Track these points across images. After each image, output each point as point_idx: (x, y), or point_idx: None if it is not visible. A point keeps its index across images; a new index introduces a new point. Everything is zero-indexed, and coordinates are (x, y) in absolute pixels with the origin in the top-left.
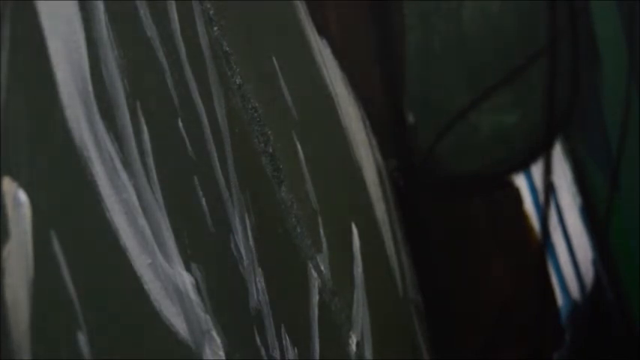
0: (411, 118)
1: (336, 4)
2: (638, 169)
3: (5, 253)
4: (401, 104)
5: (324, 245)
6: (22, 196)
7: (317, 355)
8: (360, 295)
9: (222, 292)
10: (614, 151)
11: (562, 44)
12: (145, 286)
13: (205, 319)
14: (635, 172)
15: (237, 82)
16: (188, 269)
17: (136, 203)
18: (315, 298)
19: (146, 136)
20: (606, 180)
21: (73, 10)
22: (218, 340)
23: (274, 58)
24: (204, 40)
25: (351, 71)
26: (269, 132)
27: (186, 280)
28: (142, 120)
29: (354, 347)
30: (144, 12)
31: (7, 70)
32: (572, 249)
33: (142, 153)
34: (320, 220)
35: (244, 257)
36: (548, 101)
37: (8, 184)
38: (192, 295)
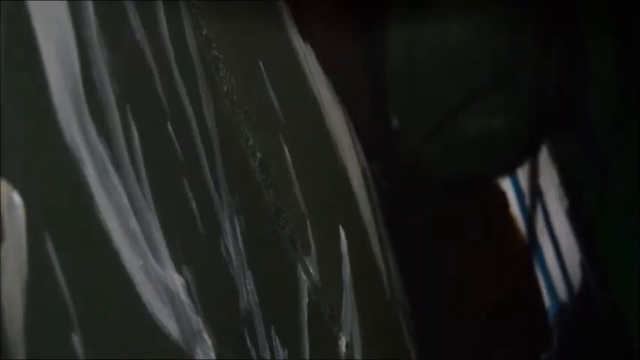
0: (395, 122)
1: (320, 9)
2: (627, 171)
3: (1, 255)
4: (385, 107)
5: (313, 247)
6: (17, 197)
7: (307, 356)
8: (348, 297)
9: (213, 294)
10: (603, 153)
11: (550, 46)
12: (137, 288)
13: (196, 321)
14: (623, 174)
15: (226, 86)
16: (179, 271)
17: (127, 205)
18: (305, 300)
19: (136, 138)
20: (594, 182)
21: (63, 12)
22: (209, 342)
23: (261, 62)
24: (192, 44)
25: (335, 75)
26: (257, 135)
27: (177, 282)
28: (132, 122)
29: (343, 348)
30: (133, 14)
31: None
32: (560, 251)
33: (132, 155)
34: (308, 222)
35: (234, 259)
36: (535, 104)
37: (2, 185)
38: (183, 296)
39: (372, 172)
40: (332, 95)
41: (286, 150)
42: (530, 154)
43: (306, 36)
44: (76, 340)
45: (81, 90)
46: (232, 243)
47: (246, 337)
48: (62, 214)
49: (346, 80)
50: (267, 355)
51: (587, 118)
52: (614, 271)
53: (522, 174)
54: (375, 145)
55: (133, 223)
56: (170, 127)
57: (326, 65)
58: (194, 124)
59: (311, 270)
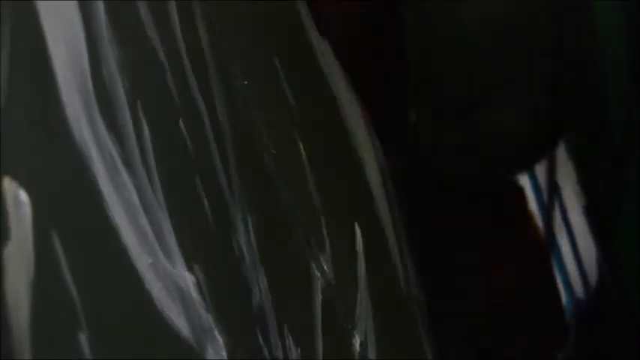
0: (413, 117)
1: (338, 4)
2: None
3: (6, 253)
4: (403, 103)
5: (327, 244)
6: (23, 195)
7: (320, 355)
8: (363, 295)
9: (224, 292)
10: (618, 150)
11: (566, 43)
12: (147, 286)
13: (207, 319)
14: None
15: (239, 82)
16: (190, 269)
17: (137, 202)
18: (319, 298)
19: (147, 135)
20: (610, 180)
21: (73, 11)
22: (220, 340)
23: (276, 58)
24: (205, 40)
25: (353, 70)
26: (271, 131)
27: (187, 280)
28: (143, 119)
29: (357, 347)
30: (144, 12)
31: (7, 69)
32: (577, 249)
33: (142, 152)
34: (323, 219)
35: (246, 256)
36: (552, 101)
37: (9, 183)
38: (194, 294)
39: (390, 168)
40: (349, 90)
41: (301, 146)
42: (545, 152)
43: (323, 31)
44: (83, 339)
45: (90, 87)
46: (244, 240)
47: (259, 335)
48: (70, 212)
49: (364, 74)
50: (279, 354)
51: (603, 117)
52: (630, 269)
53: (540, 171)
54: (393, 141)
55: (143, 221)
56: (182, 124)
57: (343, 59)
58: (206, 120)
59: (325, 268)
